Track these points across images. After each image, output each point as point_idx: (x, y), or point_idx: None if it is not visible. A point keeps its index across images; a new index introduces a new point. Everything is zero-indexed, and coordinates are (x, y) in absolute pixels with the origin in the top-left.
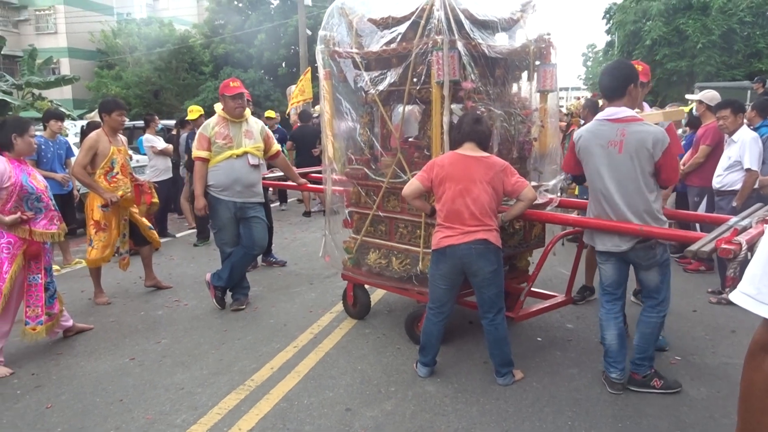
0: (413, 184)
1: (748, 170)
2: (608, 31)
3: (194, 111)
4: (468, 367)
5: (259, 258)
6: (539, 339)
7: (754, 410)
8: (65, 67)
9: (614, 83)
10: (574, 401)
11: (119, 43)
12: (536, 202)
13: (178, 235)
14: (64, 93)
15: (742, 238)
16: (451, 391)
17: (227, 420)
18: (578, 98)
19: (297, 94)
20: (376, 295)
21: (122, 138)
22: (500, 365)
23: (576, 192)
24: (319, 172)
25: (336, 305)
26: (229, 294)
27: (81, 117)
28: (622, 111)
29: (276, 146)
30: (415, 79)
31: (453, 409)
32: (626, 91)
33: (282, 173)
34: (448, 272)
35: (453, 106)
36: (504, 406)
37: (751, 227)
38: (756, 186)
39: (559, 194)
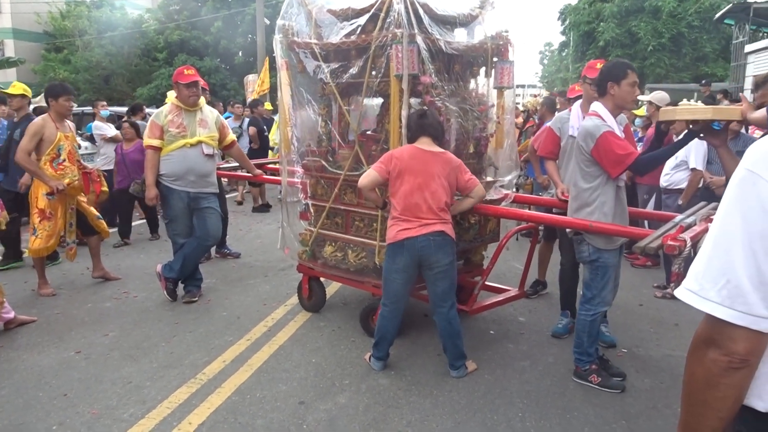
0: (370, 175)
1: (693, 170)
2: (563, 32)
3: (16, 86)
4: (422, 360)
5: (213, 249)
6: (492, 332)
7: (696, 402)
8: (9, 49)
9: (597, 82)
10: (525, 393)
11: (68, 25)
12: (492, 197)
13: None
14: (8, 76)
15: (687, 235)
16: (405, 383)
17: (177, 414)
18: (536, 96)
19: (259, 84)
20: (332, 288)
21: (70, 124)
22: (454, 358)
23: (531, 188)
24: (275, 163)
25: (291, 298)
26: (180, 286)
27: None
28: (593, 105)
29: (231, 136)
30: (374, 72)
31: (406, 401)
32: (606, 89)
33: (237, 163)
34: (405, 265)
35: (411, 100)
36: (456, 398)
37: (695, 225)
38: (700, 185)
39: (514, 190)
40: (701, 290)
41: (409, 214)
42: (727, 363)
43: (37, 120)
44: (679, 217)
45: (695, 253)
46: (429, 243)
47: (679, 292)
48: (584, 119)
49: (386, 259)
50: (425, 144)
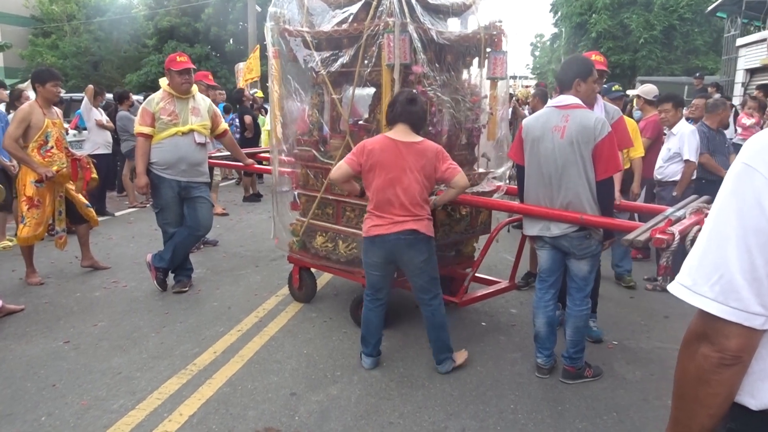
0: (341, 168)
1: (687, 161)
2: (555, 23)
3: None
4: (414, 352)
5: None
6: (484, 324)
7: (686, 399)
8: None
9: (563, 76)
10: (517, 385)
11: (56, 10)
12: (484, 189)
13: (117, 214)
14: None
15: (676, 229)
16: (397, 375)
17: (167, 405)
18: (527, 87)
19: (246, 72)
20: (323, 278)
21: (57, 110)
22: (438, 351)
23: None
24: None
25: (282, 288)
26: (171, 276)
27: (13, 87)
28: (569, 99)
29: (223, 125)
30: (366, 61)
31: (398, 393)
32: (572, 84)
33: (229, 152)
34: (379, 261)
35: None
36: (448, 390)
37: (685, 218)
38: (693, 177)
39: (506, 182)
40: (694, 285)
41: (381, 210)
42: (719, 359)
43: (24, 106)
44: (669, 210)
45: (690, 247)
46: (400, 242)
47: (672, 287)
48: (578, 112)
49: (363, 252)
50: (400, 133)
